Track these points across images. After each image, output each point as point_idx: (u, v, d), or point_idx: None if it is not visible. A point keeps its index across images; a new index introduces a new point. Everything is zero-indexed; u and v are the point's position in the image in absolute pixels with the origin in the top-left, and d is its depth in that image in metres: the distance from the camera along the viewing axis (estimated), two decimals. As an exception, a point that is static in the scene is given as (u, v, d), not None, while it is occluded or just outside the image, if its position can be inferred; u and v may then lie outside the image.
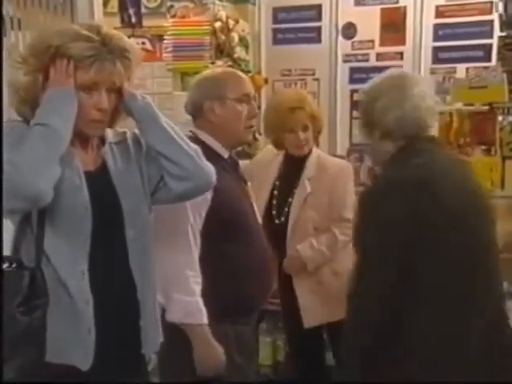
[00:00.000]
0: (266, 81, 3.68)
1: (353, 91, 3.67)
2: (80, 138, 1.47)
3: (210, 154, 1.78)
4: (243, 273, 1.88)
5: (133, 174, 1.53)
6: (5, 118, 1.45)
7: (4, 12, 2.56)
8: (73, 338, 1.40)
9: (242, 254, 1.87)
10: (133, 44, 1.49)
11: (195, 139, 1.83)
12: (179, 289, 1.75)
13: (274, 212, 2.58)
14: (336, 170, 2.59)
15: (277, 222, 2.58)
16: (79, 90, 1.40)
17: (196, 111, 1.94)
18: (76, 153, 1.45)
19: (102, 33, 1.41)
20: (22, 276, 1.34)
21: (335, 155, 3.62)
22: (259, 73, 3.71)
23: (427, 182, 1.54)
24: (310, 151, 2.59)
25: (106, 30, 1.43)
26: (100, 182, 1.48)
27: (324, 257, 2.55)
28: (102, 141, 1.53)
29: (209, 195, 1.77)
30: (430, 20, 3.50)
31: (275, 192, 2.60)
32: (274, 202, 2.59)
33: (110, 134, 1.54)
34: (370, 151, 1.90)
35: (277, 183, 2.62)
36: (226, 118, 1.90)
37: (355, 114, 3.66)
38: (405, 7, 3.54)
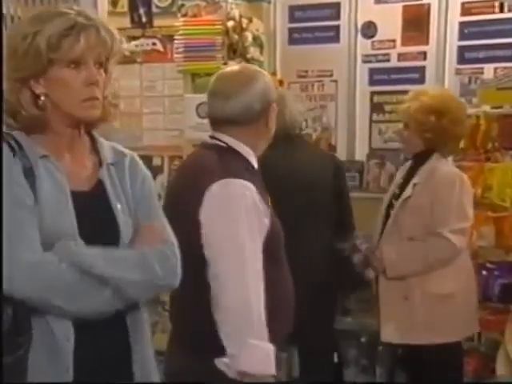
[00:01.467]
0: (281, 83, 3.55)
1: (373, 93, 3.58)
2: (72, 147, 1.36)
3: (247, 166, 1.71)
4: (284, 299, 1.76)
5: (127, 196, 1.41)
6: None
7: (4, 10, 2.47)
8: (52, 375, 1.26)
9: (283, 279, 1.77)
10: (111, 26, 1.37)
11: (227, 150, 1.71)
12: (253, 333, 1.59)
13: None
14: (441, 179, 2.46)
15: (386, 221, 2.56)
16: (63, 67, 1.29)
17: (246, 116, 1.74)
18: (66, 168, 1.33)
19: (75, 9, 1.33)
20: (4, 311, 1.22)
21: (353, 161, 3.49)
22: (274, 74, 3.59)
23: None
24: (428, 156, 2.49)
25: (80, 9, 1.34)
26: (95, 203, 1.36)
27: (410, 267, 2.45)
28: (99, 160, 1.41)
29: (266, 220, 1.65)
30: (456, 17, 3.36)
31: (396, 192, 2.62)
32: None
33: (108, 152, 1.42)
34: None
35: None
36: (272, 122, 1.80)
37: (375, 117, 3.57)
38: (428, 4, 3.40)
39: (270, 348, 1.61)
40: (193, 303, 1.69)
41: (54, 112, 1.31)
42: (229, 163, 1.70)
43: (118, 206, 1.37)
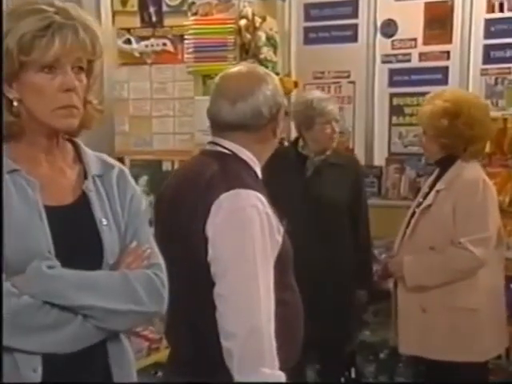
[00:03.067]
0: (296, 84, 3.48)
1: (392, 95, 3.50)
2: (51, 157, 1.25)
3: (254, 176, 1.60)
4: (293, 322, 1.63)
5: (114, 211, 1.30)
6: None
7: (4, 8, 2.36)
8: None
9: (292, 301, 1.64)
10: (96, 24, 1.25)
11: (231, 157, 1.59)
12: (265, 361, 1.46)
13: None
14: (463, 186, 2.36)
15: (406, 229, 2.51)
16: (36, 72, 1.18)
17: (254, 121, 1.60)
18: (43, 180, 1.22)
19: (55, 5, 1.20)
20: None
21: (371, 166, 3.38)
22: (289, 75, 3.52)
23: None
24: (453, 162, 2.41)
25: (62, 4, 1.21)
26: (77, 218, 1.25)
27: (430, 278, 2.37)
28: (84, 171, 1.30)
29: (279, 237, 1.53)
30: (481, 14, 3.26)
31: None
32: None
33: (93, 163, 1.31)
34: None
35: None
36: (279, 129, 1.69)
37: (394, 120, 3.49)
38: (452, 1, 3.30)
39: (282, 376, 1.48)
40: (193, 327, 1.57)
41: (28, 119, 1.21)
42: (235, 172, 1.57)
43: (104, 221, 1.26)
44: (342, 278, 2.66)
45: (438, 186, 2.42)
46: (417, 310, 2.40)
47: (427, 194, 2.49)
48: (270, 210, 1.52)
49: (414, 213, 2.50)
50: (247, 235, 1.47)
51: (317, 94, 2.90)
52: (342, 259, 2.66)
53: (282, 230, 1.56)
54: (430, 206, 2.41)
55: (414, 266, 2.41)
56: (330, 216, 2.65)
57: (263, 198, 1.53)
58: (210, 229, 1.49)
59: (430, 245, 2.39)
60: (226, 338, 1.46)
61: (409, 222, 2.50)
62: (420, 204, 2.48)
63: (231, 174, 1.56)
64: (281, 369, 1.48)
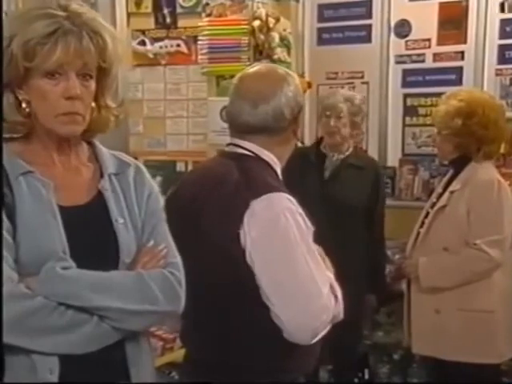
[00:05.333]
0: (309, 85, 3.46)
1: (406, 96, 3.46)
2: (66, 156, 1.25)
3: (276, 177, 1.58)
4: None
5: (131, 210, 1.29)
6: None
7: (5, 8, 2.34)
8: None
9: None
10: (111, 30, 1.24)
11: (254, 159, 1.57)
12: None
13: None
14: (477, 187, 2.34)
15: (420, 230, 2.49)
16: (40, 77, 1.17)
17: (276, 123, 1.58)
18: (57, 180, 1.21)
19: (69, 9, 1.19)
20: None
21: (385, 167, 3.36)
22: (302, 76, 3.48)
23: None
24: (467, 162, 2.39)
25: (77, 7, 1.20)
26: (93, 218, 1.24)
27: (444, 279, 2.36)
28: (100, 170, 1.29)
29: (308, 222, 1.51)
30: (496, 14, 3.22)
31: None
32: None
33: (109, 162, 1.30)
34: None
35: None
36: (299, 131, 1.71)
37: (408, 120, 3.46)
38: (467, 1, 3.26)
39: None
40: (219, 329, 1.55)
41: (37, 120, 1.22)
42: (260, 175, 1.54)
43: (120, 220, 1.25)
44: (354, 280, 2.64)
45: (452, 187, 2.40)
46: (430, 310, 2.38)
47: (441, 194, 2.47)
48: (300, 209, 1.50)
49: (427, 213, 2.48)
50: (288, 244, 1.44)
51: (340, 90, 2.93)
52: (355, 261, 2.63)
53: (312, 227, 1.54)
54: (444, 206, 2.39)
55: (430, 268, 2.39)
56: (345, 218, 2.63)
57: (292, 198, 1.50)
58: (248, 241, 1.45)
59: (443, 246, 2.37)
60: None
61: (422, 223, 2.48)
62: (434, 205, 2.47)
63: (257, 177, 1.52)
64: (299, 373, 1.50)
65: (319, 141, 2.84)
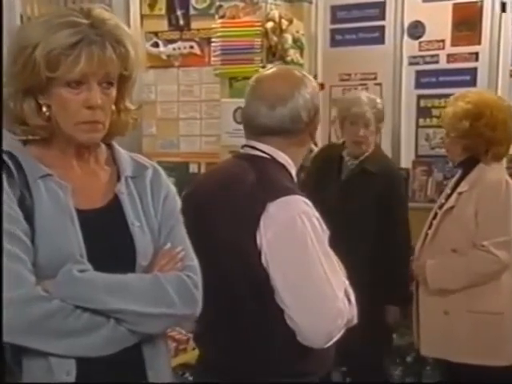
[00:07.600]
0: (322, 86, 3.46)
1: (419, 97, 3.44)
2: (84, 159, 1.26)
3: (291, 179, 1.57)
4: None
5: (147, 213, 1.29)
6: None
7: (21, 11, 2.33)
8: None
9: None
10: (132, 37, 1.23)
11: (270, 161, 1.56)
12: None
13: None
14: (485, 188, 2.33)
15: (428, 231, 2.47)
16: (62, 86, 1.17)
17: (293, 126, 1.57)
18: (75, 183, 1.22)
19: (92, 15, 1.18)
20: None
21: (399, 168, 3.34)
22: (315, 77, 3.42)
23: None
24: (475, 164, 2.37)
25: (100, 13, 1.19)
26: (109, 221, 1.24)
27: (452, 280, 2.34)
28: (117, 173, 1.29)
29: (324, 225, 1.50)
30: (511, 15, 3.19)
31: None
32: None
33: (127, 164, 1.30)
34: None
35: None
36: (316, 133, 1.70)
37: (422, 122, 3.45)
38: (481, 1, 3.24)
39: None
40: (235, 332, 1.54)
41: (57, 125, 1.22)
42: (277, 177, 1.53)
43: (136, 223, 1.25)
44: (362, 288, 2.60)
45: (461, 188, 2.39)
46: (439, 312, 2.37)
47: (449, 195, 2.46)
48: (317, 213, 1.50)
49: (435, 214, 2.47)
50: (303, 247, 1.44)
51: (359, 93, 2.86)
52: (364, 269, 2.51)
53: (327, 231, 1.53)
54: (452, 207, 2.38)
55: (437, 269, 2.38)
56: (354, 225, 2.60)
57: (308, 201, 1.50)
58: (264, 243, 1.45)
59: (452, 247, 2.36)
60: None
61: (431, 224, 2.47)
62: (442, 206, 2.45)
63: (273, 179, 1.52)
64: (313, 376, 1.50)
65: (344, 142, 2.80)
